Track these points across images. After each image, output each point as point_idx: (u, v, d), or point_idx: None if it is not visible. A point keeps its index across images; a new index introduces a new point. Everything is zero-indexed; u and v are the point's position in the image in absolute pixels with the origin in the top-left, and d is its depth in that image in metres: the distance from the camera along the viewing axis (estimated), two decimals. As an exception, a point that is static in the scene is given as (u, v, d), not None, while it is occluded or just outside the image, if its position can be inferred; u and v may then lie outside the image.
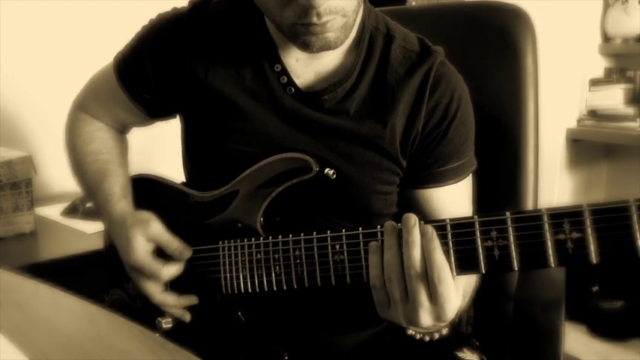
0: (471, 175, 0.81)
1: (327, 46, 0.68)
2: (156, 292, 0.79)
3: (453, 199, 0.79)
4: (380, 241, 0.62)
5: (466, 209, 0.81)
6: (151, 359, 0.56)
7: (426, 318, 0.59)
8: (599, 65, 2.07)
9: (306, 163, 0.73)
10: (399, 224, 0.60)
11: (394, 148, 0.76)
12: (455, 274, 0.59)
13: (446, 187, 0.78)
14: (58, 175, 1.62)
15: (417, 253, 0.58)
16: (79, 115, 0.94)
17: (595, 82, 2.02)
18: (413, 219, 0.59)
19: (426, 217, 0.63)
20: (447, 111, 0.76)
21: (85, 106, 0.94)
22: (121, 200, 0.83)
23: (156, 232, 0.78)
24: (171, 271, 0.78)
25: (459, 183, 0.79)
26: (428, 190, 0.79)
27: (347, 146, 0.75)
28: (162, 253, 0.78)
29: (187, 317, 0.80)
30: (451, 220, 0.61)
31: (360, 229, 0.67)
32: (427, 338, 0.68)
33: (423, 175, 0.78)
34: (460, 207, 0.80)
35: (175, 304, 0.80)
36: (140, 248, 0.77)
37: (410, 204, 0.81)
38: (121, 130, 0.96)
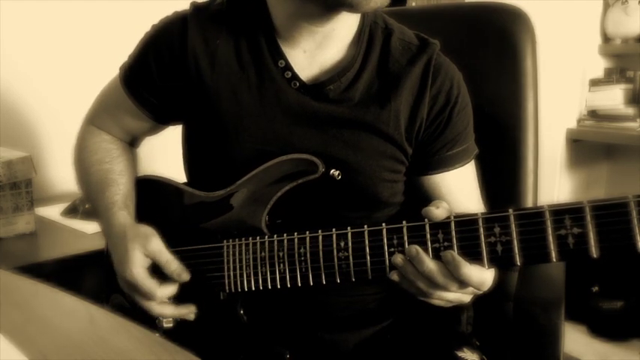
0: (474, 160, 0.83)
1: (382, 3, 0.68)
2: (152, 306, 0.79)
3: (460, 183, 0.82)
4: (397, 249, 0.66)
5: (474, 191, 0.84)
6: (150, 359, 0.56)
7: (465, 298, 0.68)
8: (599, 65, 2.07)
9: (312, 164, 0.74)
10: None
11: (399, 133, 0.77)
12: None
13: (452, 171, 0.81)
14: (58, 175, 1.62)
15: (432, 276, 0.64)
16: (88, 128, 0.95)
17: (595, 83, 2.02)
18: (413, 249, 0.64)
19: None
20: (449, 97, 0.78)
21: (94, 119, 0.95)
22: (122, 209, 0.83)
23: (155, 248, 0.77)
24: (166, 292, 0.78)
25: (464, 167, 0.82)
26: (436, 176, 0.81)
27: (352, 135, 0.77)
28: (158, 270, 0.78)
29: (191, 316, 0.80)
30: (455, 216, 0.63)
31: (365, 226, 0.67)
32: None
33: (429, 162, 0.80)
34: (467, 190, 0.83)
35: (174, 315, 0.80)
36: (137, 264, 0.76)
37: (419, 192, 0.82)
38: (131, 142, 0.96)
